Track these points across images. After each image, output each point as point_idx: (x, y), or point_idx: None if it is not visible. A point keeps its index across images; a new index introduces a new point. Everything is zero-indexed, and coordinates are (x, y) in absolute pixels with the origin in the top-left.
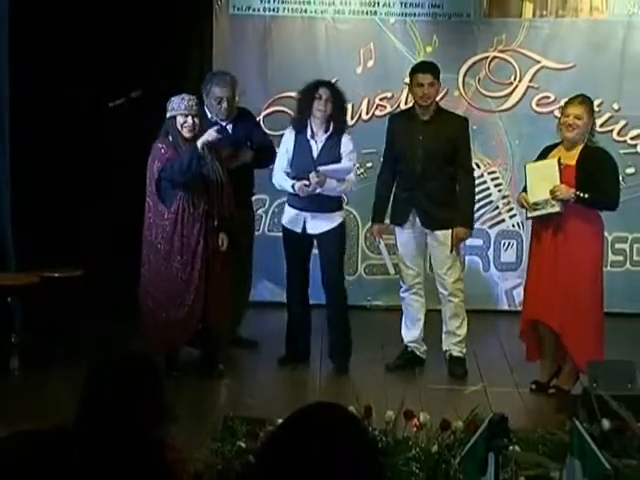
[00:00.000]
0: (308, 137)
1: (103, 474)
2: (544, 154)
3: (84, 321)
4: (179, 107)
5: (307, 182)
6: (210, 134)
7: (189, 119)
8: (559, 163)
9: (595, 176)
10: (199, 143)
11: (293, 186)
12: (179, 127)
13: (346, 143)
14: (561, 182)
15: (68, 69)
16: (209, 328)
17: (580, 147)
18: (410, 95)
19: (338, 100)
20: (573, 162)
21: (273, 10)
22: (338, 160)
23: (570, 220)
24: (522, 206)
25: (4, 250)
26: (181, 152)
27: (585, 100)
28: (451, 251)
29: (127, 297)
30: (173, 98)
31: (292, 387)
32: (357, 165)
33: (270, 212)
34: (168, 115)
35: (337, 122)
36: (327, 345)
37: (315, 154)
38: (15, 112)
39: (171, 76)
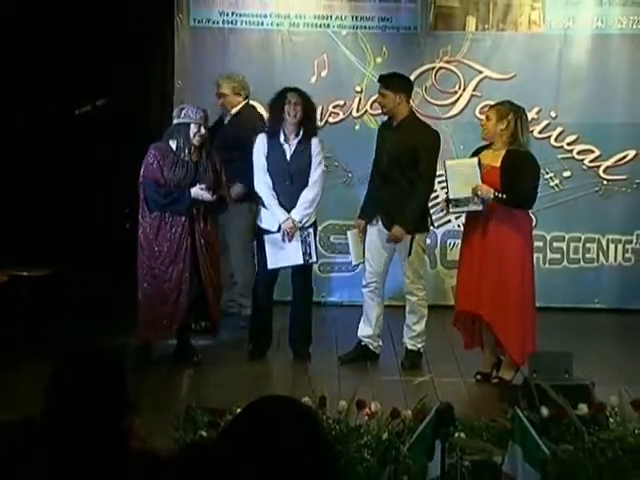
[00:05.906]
0: (282, 141)
1: (68, 463)
2: (475, 155)
3: (52, 319)
4: (195, 116)
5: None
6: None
7: (202, 129)
8: (479, 163)
9: (515, 177)
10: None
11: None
12: (191, 134)
13: (316, 146)
14: (482, 182)
15: (39, 77)
16: (210, 319)
17: (504, 150)
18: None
19: (307, 104)
20: (498, 164)
21: (231, 22)
22: (309, 162)
23: (498, 216)
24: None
25: None
26: (179, 162)
27: (499, 105)
28: (409, 255)
29: (95, 296)
30: (186, 106)
31: (251, 379)
32: None
33: None
34: (181, 121)
35: (307, 126)
36: (287, 336)
37: (288, 157)
38: None
39: (135, 84)
